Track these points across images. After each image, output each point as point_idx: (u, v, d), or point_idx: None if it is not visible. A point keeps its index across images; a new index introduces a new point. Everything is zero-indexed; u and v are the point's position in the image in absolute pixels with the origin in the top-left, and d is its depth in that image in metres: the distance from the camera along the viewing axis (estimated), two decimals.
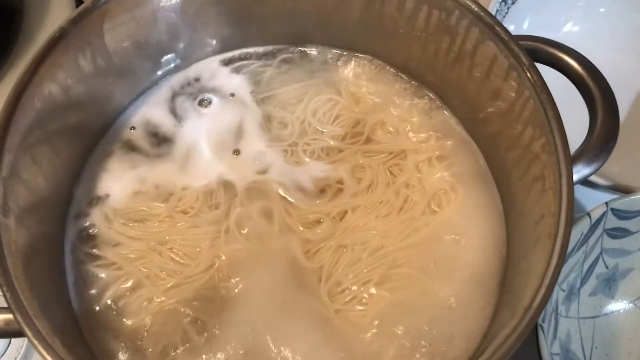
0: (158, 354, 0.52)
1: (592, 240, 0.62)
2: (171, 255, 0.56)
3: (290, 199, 0.58)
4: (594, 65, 0.53)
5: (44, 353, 0.41)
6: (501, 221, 0.57)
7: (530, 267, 0.46)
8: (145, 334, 0.53)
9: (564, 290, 0.62)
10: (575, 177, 0.48)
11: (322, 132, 0.62)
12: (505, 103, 0.54)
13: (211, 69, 0.66)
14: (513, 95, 0.52)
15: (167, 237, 0.57)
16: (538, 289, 0.42)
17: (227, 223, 0.57)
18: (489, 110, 0.57)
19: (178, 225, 0.57)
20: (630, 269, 0.66)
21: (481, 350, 0.46)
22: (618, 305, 0.67)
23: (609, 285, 0.66)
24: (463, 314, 0.52)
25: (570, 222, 0.44)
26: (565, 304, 0.63)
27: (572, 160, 0.48)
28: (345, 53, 0.67)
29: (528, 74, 0.50)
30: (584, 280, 0.65)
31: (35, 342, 0.41)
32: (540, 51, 0.53)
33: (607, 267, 0.65)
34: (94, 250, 0.56)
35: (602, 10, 0.80)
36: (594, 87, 0.51)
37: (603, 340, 0.65)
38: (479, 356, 0.41)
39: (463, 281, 0.54)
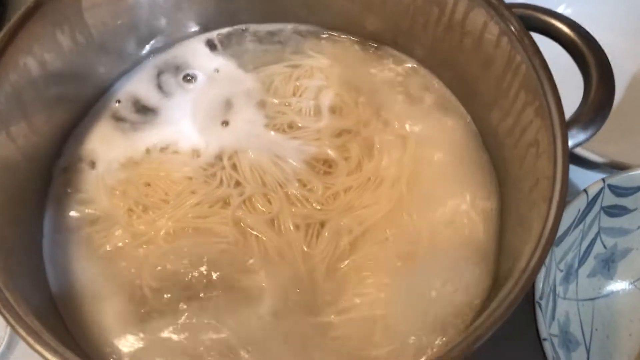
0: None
1: (589, 218, 0.61)
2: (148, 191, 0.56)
3: (281, 175, 0.57)
4: (586, 31, 0.51)
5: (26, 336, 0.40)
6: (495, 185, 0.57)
7: (527, 232, 0.45)
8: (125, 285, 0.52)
9: (561, 271, 0.61)
10: (571, 143, 0.47)
11: (303, 109, 0.61)
12: (497, 71, 0.53)
13: (195, 47, 0.65)
14: (505, 61, 0.51)
15: (147, 174, 0.57)
16: (534, 250, 0.40)
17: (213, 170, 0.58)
18: (481, 80, 0.56)
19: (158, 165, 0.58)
20: (629, 249, 0.64)
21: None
22: (617, 286, 0.65)
23: (608, 266, 0.65)
24: (455, 287, 0.51)
25: (566, 184, 0.43)
26: (564, 285, 0.61)
27: (567, 125, 0.46)
28: (331, 30, 0.66)
29: (519, 38, 0.49)
30: (582, 261, 0.63)
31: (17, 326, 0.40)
32: (532, 18, 0.52)
33: (605, 247, 0.64)
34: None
35: None
36: (587, 52, 0.50)
37: (603, 322, 0.63)
38: (476, 318, 0.39)
39: (457, 253, 0.53)
